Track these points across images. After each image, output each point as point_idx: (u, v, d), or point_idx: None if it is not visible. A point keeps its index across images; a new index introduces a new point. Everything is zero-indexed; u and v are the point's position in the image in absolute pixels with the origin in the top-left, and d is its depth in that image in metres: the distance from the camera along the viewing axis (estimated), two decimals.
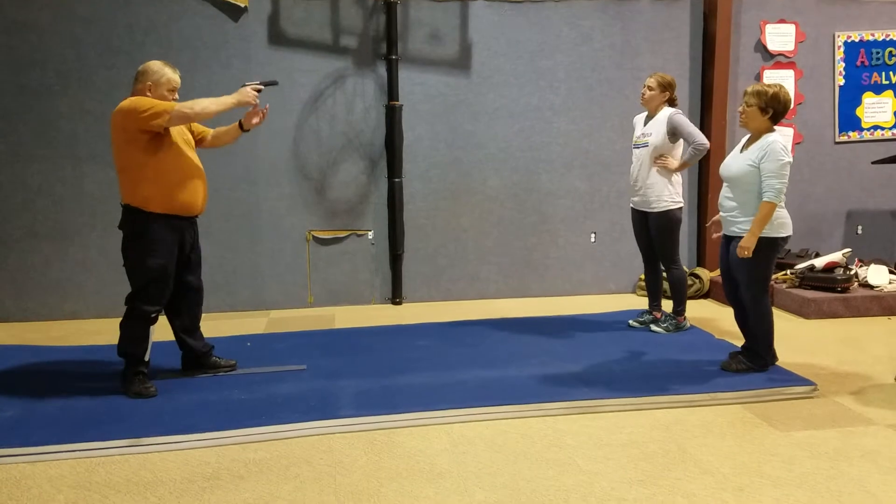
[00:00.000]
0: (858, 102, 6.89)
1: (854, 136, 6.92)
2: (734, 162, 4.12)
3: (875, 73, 6.87)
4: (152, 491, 2.96)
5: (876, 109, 6.91)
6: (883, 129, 6.94)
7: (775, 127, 4.05)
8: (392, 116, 6.06)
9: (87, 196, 5.83)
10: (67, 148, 5.77)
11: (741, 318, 4.33)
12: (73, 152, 5.78)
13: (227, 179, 6.00)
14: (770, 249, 4.00)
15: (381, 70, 6.10)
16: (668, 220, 4.98)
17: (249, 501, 2.87)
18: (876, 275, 5.97)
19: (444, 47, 6.20)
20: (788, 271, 6.21)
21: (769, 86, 3.93)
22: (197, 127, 4.20)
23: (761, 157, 3.93)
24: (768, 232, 3.95)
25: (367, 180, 6.24)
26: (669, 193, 4.95)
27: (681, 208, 5.01)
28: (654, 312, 5.33)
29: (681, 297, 5.16)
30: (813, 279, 5.92)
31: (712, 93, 6.47)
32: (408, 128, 6.15)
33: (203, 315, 5.97)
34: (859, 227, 7.05)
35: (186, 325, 4.24)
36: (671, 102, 5.01)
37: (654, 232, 5.07)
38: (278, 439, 3.45)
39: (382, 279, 6.37)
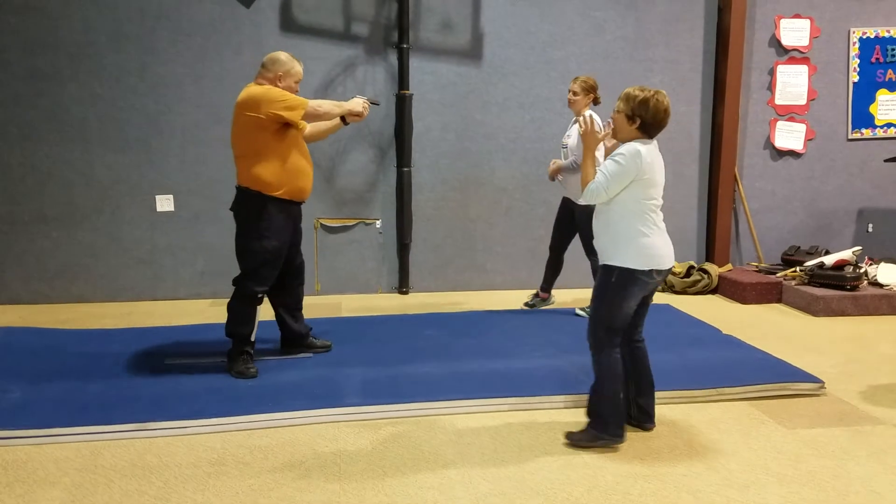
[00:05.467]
0: (872, 99, 6.83)
1: (867, 133, 6.86)
2: None
3: (890, 70, 6.80)
4: (157, 475, 2.97)
5: (890, 107, 6.85)
6: None
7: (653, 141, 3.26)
8: (402, 105, 6.04)
9: (96, 180, 5.84)
10: (77, 132, 5.78)
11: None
12: (83, 136, 5.78)
13: (235, 167, 5.99)
14: (624, 283, 3.18)
15: (392, 59, 6.07)
16: (588, 215, 5.06)
17: (254, 488, 2.88)
18: (886, 273, 5.93)
19: (455, 37, 6.17)
20: (798, 268, 6.17)
21: (642, 90, 3.17)
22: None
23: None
24: (624, 261, 3.17)
25: (376, 169, 6.22)
26: None
27: None
28: (541, 294, 5.66)
29: None
30: (822, 277, 5.88)
31: (725, 87, 6.43)
32: (417, 117, 6.13)
33: (211, 300, 6.02)
34: (870, 225, 7.00)
35: (289, 304, 4.33)
36: (595, 102, 5.14)
37: (577, 222, 5.19)
38: (284, 426, 3.46)
39: (389, 268, 6.36)
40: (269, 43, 5.88)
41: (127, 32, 5.73)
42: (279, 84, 3.97)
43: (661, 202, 3.25)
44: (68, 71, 5.70)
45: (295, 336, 4.39)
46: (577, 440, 3.30)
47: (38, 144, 5.75)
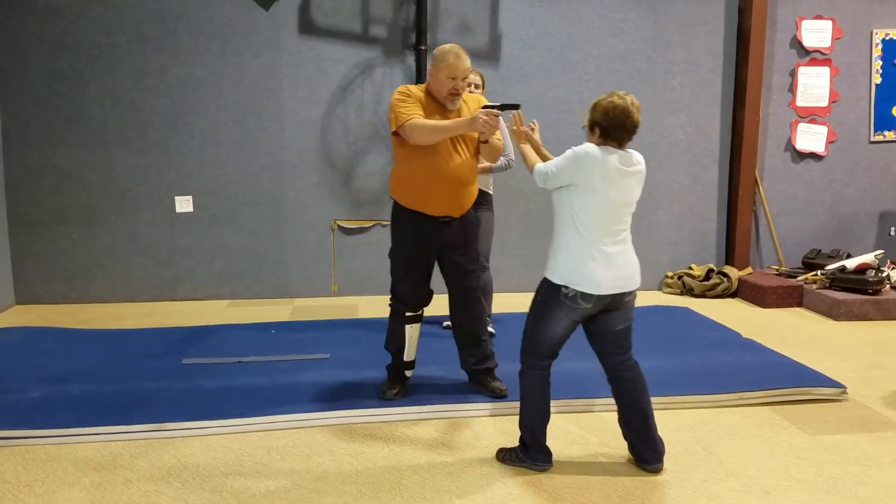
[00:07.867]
0: (895, 101, 6.74)
1: (890, 135, 6.78)
2: None
3: None
4: (175, 476, 2.98)
5: None
6: None
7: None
8: None
9: (115, 182, 5.88)
10: (97, 133, 5.82)
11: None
12: (102, 138, 5.83)
13: (253, 168, 6.01)
14: (549, 300, 2.95)
15: (410, 60, 6.07)
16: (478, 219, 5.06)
17: (271, 489, 2.88)
18: None
19: (473, 38, 6.15)
20: (819, 272, 6.10)
21: (601, 98, 2.90)
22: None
23: None
24: (552, 274, 2.94)
25: None
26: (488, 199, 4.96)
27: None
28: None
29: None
30: (844, 280, 5.81)
31: (745, 89, 6.37)
32: None
33: (229, 301, 6.03)
34: (892, 229, 6.91)
35: (455, 333, 3.87)
36: None
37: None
38: (301, 428, 3.46)
39: None
40: (288, 45, 5.90)
41: (147, 34, 5.77)
42: (430, 78, 3.53)
43: (620, 226, 2.91)
44: (88, 72, 5.75)
45: (466, 368, 3.88)
46: (503, 458, 3.13)
47: (58, 145, 5.80)
